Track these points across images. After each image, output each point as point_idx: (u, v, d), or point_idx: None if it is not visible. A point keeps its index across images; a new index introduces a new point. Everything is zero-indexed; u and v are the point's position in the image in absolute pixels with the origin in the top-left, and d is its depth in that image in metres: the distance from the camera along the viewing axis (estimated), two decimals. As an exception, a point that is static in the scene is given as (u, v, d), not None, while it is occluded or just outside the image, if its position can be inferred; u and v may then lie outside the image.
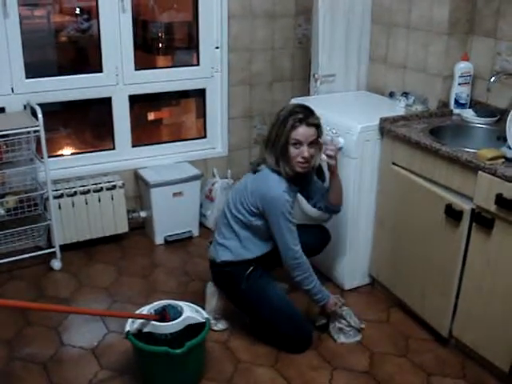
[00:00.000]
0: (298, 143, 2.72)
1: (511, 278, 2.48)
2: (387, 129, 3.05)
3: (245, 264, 2.86)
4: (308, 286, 2.82)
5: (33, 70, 3.49)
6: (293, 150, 2.73)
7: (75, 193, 3.59)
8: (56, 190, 3.51)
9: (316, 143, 2.78)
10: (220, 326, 2.99)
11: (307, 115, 2.73)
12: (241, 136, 4.20)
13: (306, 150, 2.72)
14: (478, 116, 3.10)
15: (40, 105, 3.26)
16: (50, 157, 3.38)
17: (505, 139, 2.61)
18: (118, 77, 3.71)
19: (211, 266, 2.98)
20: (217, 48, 3.94)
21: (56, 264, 3.50)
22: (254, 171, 2.84)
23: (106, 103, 3.77)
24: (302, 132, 2.71)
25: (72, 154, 3.87)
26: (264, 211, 2.75)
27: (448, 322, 2.84)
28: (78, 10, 3.81)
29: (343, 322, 2.92)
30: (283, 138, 2.72)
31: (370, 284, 3.42)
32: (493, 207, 2.47)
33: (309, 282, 2.82)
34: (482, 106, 3.18)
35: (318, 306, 2.94)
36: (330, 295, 2.90)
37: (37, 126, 3.19)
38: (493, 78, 2.86)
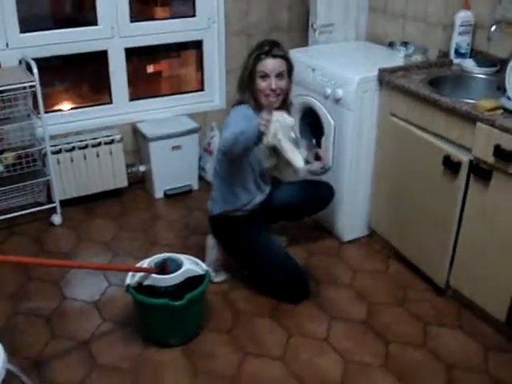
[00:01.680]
0: (265, 75, 2.74)
1: (508, 230, 2.50)
2: (386, 80, 3.02)
3: (240, 216, 2.89)
4: (242, 140, 2.52)
5: (27, 24, 3.43)
6: (260, 83, 2.75)
7: (73, 148, 3.58)
8: (54, 146, 3.50)
9: (285, 76, 2.79)
10: (220, 277, 3.02)
11: (272, 47, 2.75)
12: (239, 88, 4.16)
13: (273, 82, 2.74)
14: (478, 66, 3.06)
15: (35, 60, 3.21)
16: (46, 112, 3.38)
17: (505, 89, 2.58)
18: (114, 29, 3.65)
19: (209, 217, 3.00)
20: (213, -2, 3.88)
21: (56, 219, 3.52)
22: None
23: (102, 57, 3.73)
24: (268, 63, 2.73)
25: (69, 109, 3.83)
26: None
27: (445, 272, 2.87)
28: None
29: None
30: (249, 72, 2.75)
31: (369, 235, 3.45)
32: (491, 158, 2.46)
33: (240, 138, 2.52)
34: (483, 55, 3.13)
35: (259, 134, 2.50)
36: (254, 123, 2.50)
37: (32, 81, 3.16)
38: (493, 27, 2.81)
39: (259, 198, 2.92)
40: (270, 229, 3.01)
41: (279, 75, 2.75)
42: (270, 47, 2.74)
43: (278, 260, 2.88)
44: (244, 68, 2.80)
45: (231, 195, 2.87)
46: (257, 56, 2.74)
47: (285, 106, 2.85)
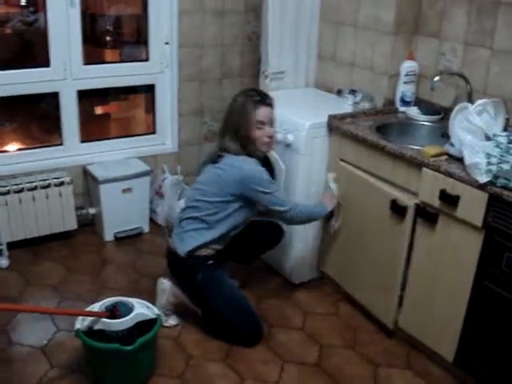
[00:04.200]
0: (261, 124, 2.82)
1: (454, 271, 2.58)
2: (335, 126, 3.11)
3: (205, 257, 2.91)
4: (315, 217, 3.10)
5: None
6: (258, 132, 2.82)
7: (22, 189, 3.52)
8: (2, 187, 3.44)
9: (274, 122, 2.91)
10: (171, 321, 3.00)
11: (263, 96, 2.85)
12: (191, 132, 4.20)
13: (268, 130, 2.84)
14: (422, 114, 3.19)
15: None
16: (-5, 153, 3.32)
17: (448, 136, 2.70)
18: (66, 71, 3.64)
19: (170, 257, 3.00)
20: (166, 43, 3.92)
21: (3, 262, 3.43)
22: (215, 162, 2.89)
23: (53, 97, 3.70)
24: (263, 113, 2.82)
25: (19, 149, 3.79)
26: (243, 192, 2.82)
27: (393, 314, 2.92)
28: (23, 2, 3.72)
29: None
30: (246, 122, 2.81)
31: (319, 278, 3.48)
32: (437, 202, 2.55)
33: (313, 216, 3.07)
34: (427, 104, 3.27)
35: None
36: (323, 205, 3.09)
37: (-18, 122, 3.13)
38: (436, 78, 2.94)
39: (234, 232, 2.97)
40: (225, 270, 3.02)
41: (271, 122, 2.86)
42: (261, 97, 2.84)
43: (233, 300, 2.90)
44: (236, 119, 2.84)
45: (207, 230, 2.89)
46: (252, 106, 2.80)
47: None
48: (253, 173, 2.82)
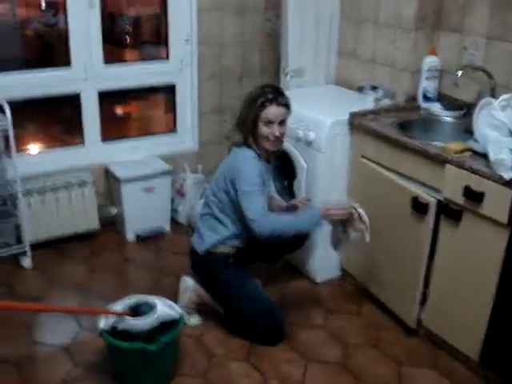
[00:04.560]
0: (269, 122, 2.76)
1: (479, 268, 2.54)
2: (357, 123, 3.08)
3: (225, 255, 2.90)
4: (293, 231, 2.79)
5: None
6: (264, 129, 2.77)
7: (45, 190, 3.55)
8: (25, 188, 3.47)
9: (285, 122, 2.83)
10: (193, 320, 3.00)
11: (277, 95, 2.79)
12: (211, 131, 4.20)
13: (276, 129, 2.77)
14: (445, 110, 3.15)
15: (7, 101, 3.21)
16: (18, 153, 3.34)
17: (471, 133, 2.66)
18: (87, 72, 3.67)
19: (192, 255, 2.99)
20: (186, 42, 3.93)
21: (26, 262, 3.46)
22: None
23: (74, 99, 3.73)
24: (273, 111, 2.76)
25: (41, 150, 3.83)
26: (233, 180, 2.77)
27: (416, 313, 2.89)
28: (43, 5, 3.74)
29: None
30: (253, 117, 2.77)
31: (341, 276, 3.46)
32: (460, 199, 2.52)
33: (290, 230, 2.78)
34: (449, 99, 3.23)
35: (324, 223, 2.86)
36: (314, 210, 2.81)
37: (4, 123, 3.15)
38: (459, 72, 2.91)
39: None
40: (247, 270, 3.01)
41: (281, 122, 2.80)
42: (274, 95, 2.77)
43: (256, 300, 2.88)
44: (246, 112, 2.80)
45: (222, 227, 2.88)
46: (262, 103, 2.75)
47: (281, 148, 2.94)
48: (243, 165, 2.77)
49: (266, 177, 2.89)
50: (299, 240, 3.12)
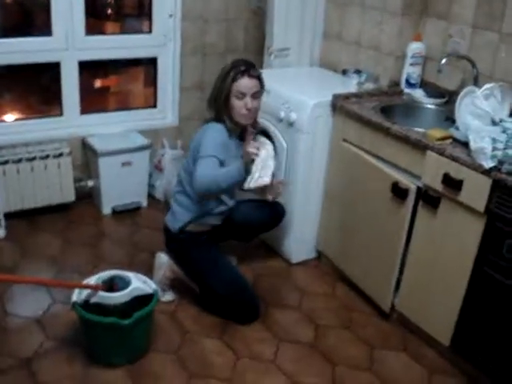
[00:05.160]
0: (242, 95, 2.74)
1: (454, 256, 2.57)
2: (339, 105, 3.08)
3: (198, 232, 2.89)
4: (226, 185, 2.61)
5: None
6: (236, 102, 2.75)
7: (20, 159, 3.49)
8: (1, 157, 3.41)
9: (258, 95, 2.81)
10: (167, 297, 2.99)
11: (249, 67, 2.77)
12: (192, 107, 4.16)
13: (249, 102, 2.75)
14: (427, 96, 3.16)
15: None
16: (-6, 122, 3.29)
17: (453, 120, 2.67)
18: (68, 41, 3.59)
19: (166, 233, 2.98)
20: (170, 16, 3.87)
21: (0, 232, 3.42)
22: None
23: (54, 68, 3.66)
24: (245, 83, 2.74)
25: (18, 119, 3.76)
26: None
27: (390, 297, 2.92)
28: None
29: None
30: (226, 91, 2.75)
31: (317, 258, 3.48)
32: (440, 186, 2.54)
33: (222, 184, 2.59)
34: (432, 86, 3.24)
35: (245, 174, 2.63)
36: (239, 163, 2.59)
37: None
38: (444, 60, 2.91)
39: (222, 207, 2.91)
40: (221, 248, 3.00)
41: (254, 95, 2.77)
42: (246, 67, 2.75)
43: (230, 278, 2.88)
44: (218, 85, 2.79)
45: (196, 205, 2.85)
46: (234, 75, 2.73)
47: (255, 124, 2.89)
48: (205, 136, 2.73)
49: (234, 153, 2.80)
50: (274, 219, 3.13)
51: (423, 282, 2.75)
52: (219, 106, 2.78)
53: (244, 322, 2.88)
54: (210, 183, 2.57)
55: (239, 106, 2.75)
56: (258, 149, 2.59)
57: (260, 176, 2.74)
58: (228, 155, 2.73)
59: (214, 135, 2.74)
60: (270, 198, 2.93)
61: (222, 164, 2.66)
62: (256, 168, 2.70)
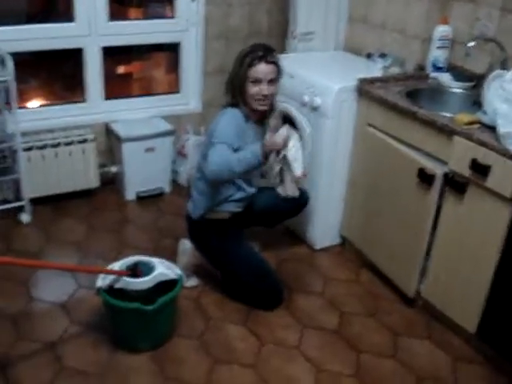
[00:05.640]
0: (257, 81, 2.71)
1: (481, 242, 2.53)
2: (364, 90, 3.03)
3: (220, 219, 2.87)
4: (239, 170, 2.54)
5: (1, 18, 3.35)
6: (252, 88, 2.71)
7: (45, 146, 3.51)
8: (25, 143, 3.43)
9: (275, 81, 2.77)
10: (191, 282, 2.99)
11: (266, 53, 2.73)
12: (215, 92, 4.11)
13: (265, 88, 2.71)
14: (454, 80, 3.10)
15: (9, 54, 3.14)
16: (19, 108, 3.29)
17: (480, 104, 2.62)
18: (91, 27, 3.59)
19: (187, 220, 2.97)
20: (193, 1, 3.84)
21: (25, 217, 3.44)
22: None
23: (77, 54, 3.66)
24: (262, 69, 2.70)
25: (42, 105, 3.78)
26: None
27: (415, 283, 2.89)
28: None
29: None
30: (242, 76, 2.71)
31: (341, 244, 3.45)
32: (467, 172, 2.49)
33: (235, 169, 2.52)
34: (459, 70, 3.17)
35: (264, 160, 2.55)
36: (257, 148, 2.52)
37: (6, 76, 3.09)
38: (471, 43, 2.85)
39: (241, 194, 2.89)
40: (244, 234, 2.99)
41: (271, 81, 2.73)
42: (264, 52, 2.71)
43: (253, 264, 2.87)
44: (235, 71, 2.75)
45: (215, 193, 2.82)
46: (251, 61, 2.69)
47: (272, 109, 2.85)
48: (220, 122, 2.70)
49: (251, 139, 2.75)
50: (297, 206, 3.09)
51: (449, 269, 2.71)
52: (235, 90, 2.76)
53: (268, 308, 2.87)
54: (222, 168, 2.53)
55: (254, 91, 2.71)
56: (285, 142, 2.54)
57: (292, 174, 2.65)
58: (245, 140, 2.69)
59: (229, 121, 2.71)
60: (284, 194, 2.78)
61: (237, 150, 2.62)
62: (288, 167, 2.63)
